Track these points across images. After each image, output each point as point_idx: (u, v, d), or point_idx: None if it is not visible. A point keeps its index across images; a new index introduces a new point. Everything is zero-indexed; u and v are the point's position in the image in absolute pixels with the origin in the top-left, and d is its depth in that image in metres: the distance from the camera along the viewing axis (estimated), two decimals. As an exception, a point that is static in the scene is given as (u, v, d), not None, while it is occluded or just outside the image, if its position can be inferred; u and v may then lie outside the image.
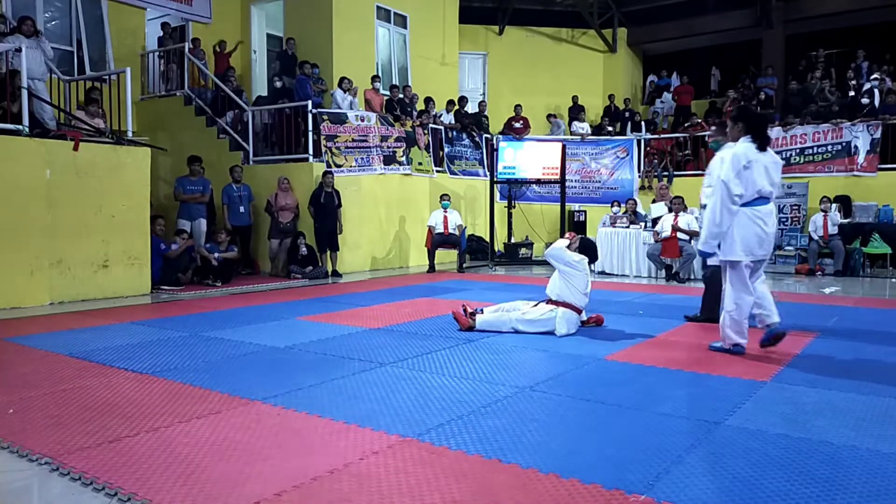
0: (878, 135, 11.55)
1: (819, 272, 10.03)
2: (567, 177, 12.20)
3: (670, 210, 9.68)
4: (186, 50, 11.45)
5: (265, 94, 12.24)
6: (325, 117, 10.49)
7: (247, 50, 13.14)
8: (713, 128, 5.92)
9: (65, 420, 3.19)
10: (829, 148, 12.02)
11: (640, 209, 11.76)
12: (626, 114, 15.26)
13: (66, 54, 10.73)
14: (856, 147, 11.75)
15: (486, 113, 14.15)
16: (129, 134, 8.23)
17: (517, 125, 14.03)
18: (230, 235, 9.52)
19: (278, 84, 11.16)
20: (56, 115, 8.12)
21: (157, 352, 4.72)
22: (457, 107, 13.44)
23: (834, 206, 10.24)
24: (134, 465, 2.63)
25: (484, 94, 16.34)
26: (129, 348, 4.83)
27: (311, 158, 10.25)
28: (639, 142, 14.13)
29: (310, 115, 10.25)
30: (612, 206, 11.81)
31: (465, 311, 5.59)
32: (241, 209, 9.96)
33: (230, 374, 4.09)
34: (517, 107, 14.37)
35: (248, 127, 10.78)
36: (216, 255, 8.91)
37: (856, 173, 11.73)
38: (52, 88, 8.80)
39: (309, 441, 2.90)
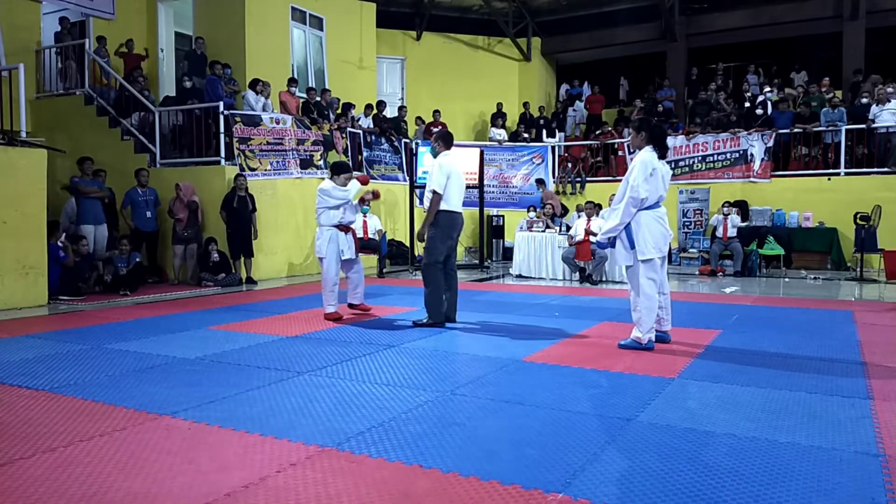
0: (771, 143, 12.37)
1: (720, 273, 10.61)
2: (485, 182, 12.37)
3: (579, 212, 10.02)
4: (87, 46, 10.84)
5: (173, 94, 11.76)
6: (238, 119, 10.18)
7: (154, 49, 12.58)
8: (432, 137, 6.32)
9: (-52, 444, 2.93)
10: (728, 156, 12.77)
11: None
12: (541, 121, 15.66)
13: (-50, 48, 9.91)
14: (751, 155, 12.53)
15: (405, 118, 14.15)
16: (23, 134, 7.69)
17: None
18: (132, 243, 9.05)
19: (187, 84, 10.74)
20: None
21: (54, 366, 4.42)
22: (375, 111, 13.38)
23: (733, 209, 10.87)
24: (29, 488, 2.44)
25: (402, 98, 16.35)
26: (23, 363, 4.51)
27: (223, 161, 9.92)
28: (553, 148, 14.53)
29: (221, 117, 9.92)
30: (528, 211, 12.08)
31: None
32: (148, 214, 9.51)
33: (136, 388, 3.88)
34: (436, 112, 14.46)
35: (155, 128, 10.32)
36: (120, 264, 8.45)
37: (752, 180, 12.50)
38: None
39: (222, 455, 2.79)
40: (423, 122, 14.42)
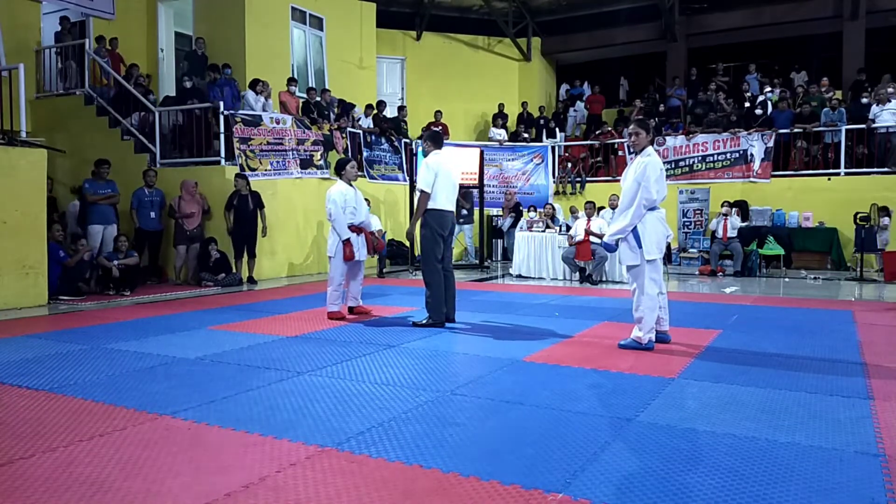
0: (771, 143, 12.37)
1: (720, 273, 10.61)
2: (485, 182, 12.37)
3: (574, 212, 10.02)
4: (87, 46, 10.84)
5: (173, 94, 11.75)
6: (238, 119, 10.18)
7: (154, 49, 12.58)
8: (423, 137, 6.32)
9: (-52, 444, 2.93)
10: (728, 156, 12.76)
11: (559, 214, 12.09)
12: (541, 121, 15.65)
13: (-50, 48, 9.90)
14: (751, 155, 12.54)
15: (405, 118, 14.16)
16: (23, 134, 7.69)
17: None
18: (130, 241, 9.03)
19: (188, 84, 10.74)
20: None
21: (54, 366, 4.42)
22: (375, 111, 13.38)
23: (733, 210, 10.88)
24: (29, 488, 2.44)
25: (402, 98, 16.36)
26: (23, 363, 4.50)
27: (223, 161, 9.92)
28: (553, 148, 14.53)
29: (221, 117, 9.92)
30: (528, 211, 12.08)
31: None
32: (153, 214, 9.51)
33: (136, 388, 3.88)
34: (437, 112, 14.47)
35: (155, 128, 10.32)
36: (115, 262, 8.41)
37: (752, 180, 12.50)
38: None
39: (222, 455, 2.79)
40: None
